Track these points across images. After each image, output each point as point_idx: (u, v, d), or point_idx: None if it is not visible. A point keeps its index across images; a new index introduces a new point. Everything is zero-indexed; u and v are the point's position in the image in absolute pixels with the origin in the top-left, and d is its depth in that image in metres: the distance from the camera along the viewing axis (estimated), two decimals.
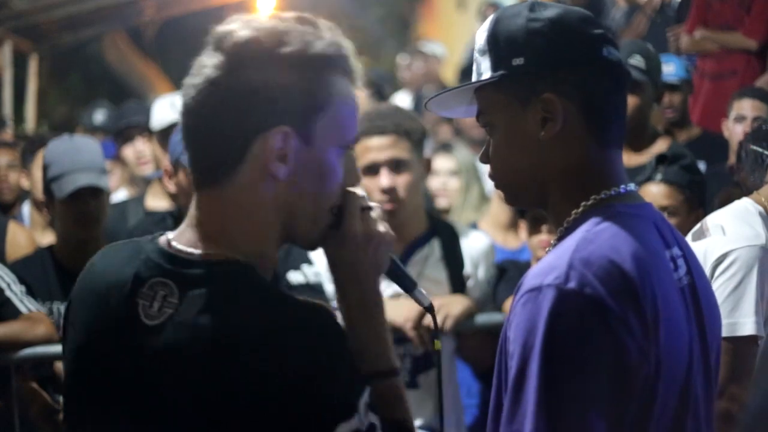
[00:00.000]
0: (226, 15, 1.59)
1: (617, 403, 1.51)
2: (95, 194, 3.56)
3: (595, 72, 1.65)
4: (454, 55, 10.69)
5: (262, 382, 1.43)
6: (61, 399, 3.37)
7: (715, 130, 4.89)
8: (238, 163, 1.51)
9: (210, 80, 1.51)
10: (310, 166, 1.54)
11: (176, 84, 10.12)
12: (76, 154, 3.60)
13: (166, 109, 4.61)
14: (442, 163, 5.28)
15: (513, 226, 4.42)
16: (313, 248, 1.64)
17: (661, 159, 3.25)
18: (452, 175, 4.89)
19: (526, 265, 3.72)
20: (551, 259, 1.57)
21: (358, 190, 1.64)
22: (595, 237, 1.58)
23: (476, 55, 1.71)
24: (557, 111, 1.63)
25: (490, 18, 1.71)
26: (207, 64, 1.52)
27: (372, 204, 1.65)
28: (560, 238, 1.65)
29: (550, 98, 1.63)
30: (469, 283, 3.53)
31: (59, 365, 3.42)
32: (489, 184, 5.50)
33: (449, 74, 10.34)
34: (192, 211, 1.57)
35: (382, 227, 1.62)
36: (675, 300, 1.61)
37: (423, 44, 10.00)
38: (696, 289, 1.68)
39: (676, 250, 1.67)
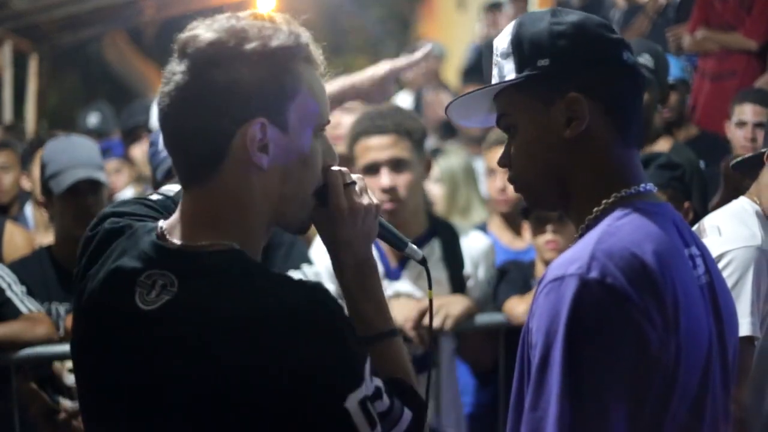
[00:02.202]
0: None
1: (638, 391, 1.54)
2: (94, 189, 3.54)
3: (616, 74, 1.70)
4: (454, 55, 10.70)
5: (269, 361, 1.47)
6: (60, 399, 3.37)
7: (716, 130, 4.89)
8: (222, 158, 1.57)
9: (180, 86, 1.57)
10: (290, 152, 1.61)
11: None
12: (73, 151, 3.60)
13: None
14: None
15: (520, 226, 4.41)
16: (303, 231, 1.73)
17: None
18: (435, 182, 4.88)
19: (529, 266, 3.72)
20: (574, 251, 1.61)
21: (338, 168, 1.71)
22: (617, 230, 1.62)
23: (498, 59, 1.75)
24: (583, 110, 1.67)
25: (512, 23, 1.75)
26: (176, 70, 1.58)
27: (354, 177, 1.73)
28: (581, 234, 1.68)
29: (576, 97, 1.67)
30: (469, 283, 3.53)
31: (58, 365, 3.42)
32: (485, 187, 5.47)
33: (450, 74, 10.34)
34: (182, 207, 1.64)
35: (366, 199, 1.72)
36: (694, 295, 1.65)
37: (423, 44, 9.98)
38: (714, 287, 1.71)
39: (694, 249, 1.70)
